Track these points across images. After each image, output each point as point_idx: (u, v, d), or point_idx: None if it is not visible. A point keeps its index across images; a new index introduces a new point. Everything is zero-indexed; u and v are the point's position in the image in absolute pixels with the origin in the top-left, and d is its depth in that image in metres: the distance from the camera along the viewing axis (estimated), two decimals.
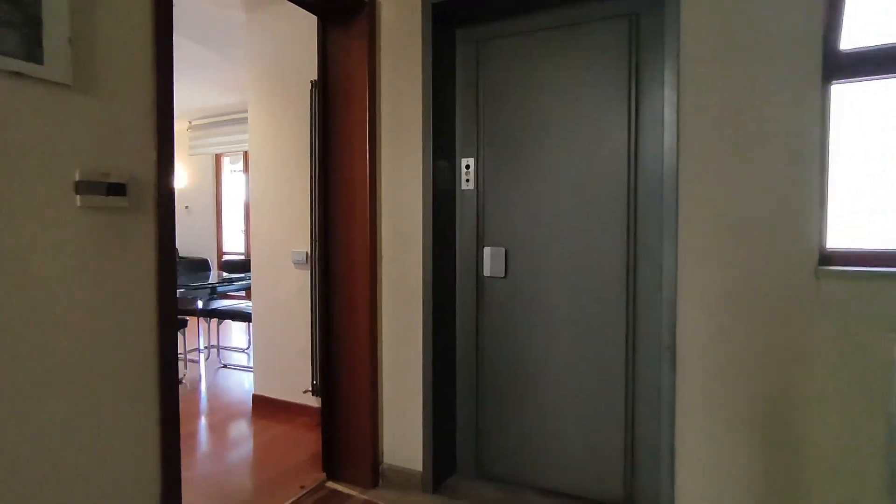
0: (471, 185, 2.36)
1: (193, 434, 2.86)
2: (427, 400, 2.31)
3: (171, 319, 1.40)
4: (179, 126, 7.20)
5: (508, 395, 2.28)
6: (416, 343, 2.34)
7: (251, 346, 3.88)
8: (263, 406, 3.27)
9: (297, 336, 3.14)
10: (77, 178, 1.20)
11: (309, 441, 2.80)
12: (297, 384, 3.16)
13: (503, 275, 2.27)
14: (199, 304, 4.02)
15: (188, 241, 7.54)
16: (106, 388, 1.28)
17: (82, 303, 1.22)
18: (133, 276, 1.32)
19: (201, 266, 4.85)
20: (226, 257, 7.34)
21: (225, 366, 4.27)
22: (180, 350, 4.79)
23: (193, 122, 7.04)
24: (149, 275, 1.36)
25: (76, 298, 1.21)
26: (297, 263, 3.13)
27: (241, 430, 2.94)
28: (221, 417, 3.12)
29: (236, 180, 7.40)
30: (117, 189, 1.26)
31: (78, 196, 1.20)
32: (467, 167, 2.36)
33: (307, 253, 3.06)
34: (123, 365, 1.32)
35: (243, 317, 4.03)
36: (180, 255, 7.47)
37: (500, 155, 2.27)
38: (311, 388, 3.03)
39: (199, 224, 7.40)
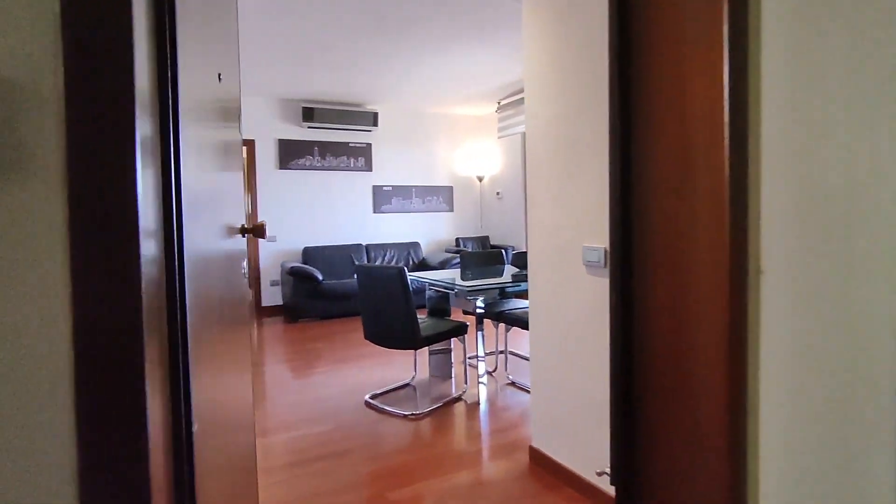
0: None
1: (444, 494, 2.11)
2: None
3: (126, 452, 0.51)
4: (487, 109, 6.91)
5: None
6: (867, 465, 0.94)
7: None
8: (543, 467, 2.30)
9: (588, 377, 2.04)
10: None
11: None
12: (588, 452, 2.07)
13: None
14: (480, 304, 3.33)
15: (499, 231, 7.27)
16: None
17: None
18: None
19: (495, 259, 4.23)
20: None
21: (513, 383, 3.50)
22: (460, 358, 4.38)
23: (502, 102, 6.63)
24: (54, 334, 0.48)
25: None
26: (589, 265, 2.01)
27: (507, 502, 2.04)
28: (488, 474, 2.29)
29: None
30: None
31: None
32: None
33: (606, 250, 1.92)
34: None
35: None
36: (491, 243, 7.26)
37: None
38: (607, 471, 1.89)
39: (511, 213, 7.03)
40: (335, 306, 5.73)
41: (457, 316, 4.31)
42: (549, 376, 2.25)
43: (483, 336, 3.55)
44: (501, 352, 4.06)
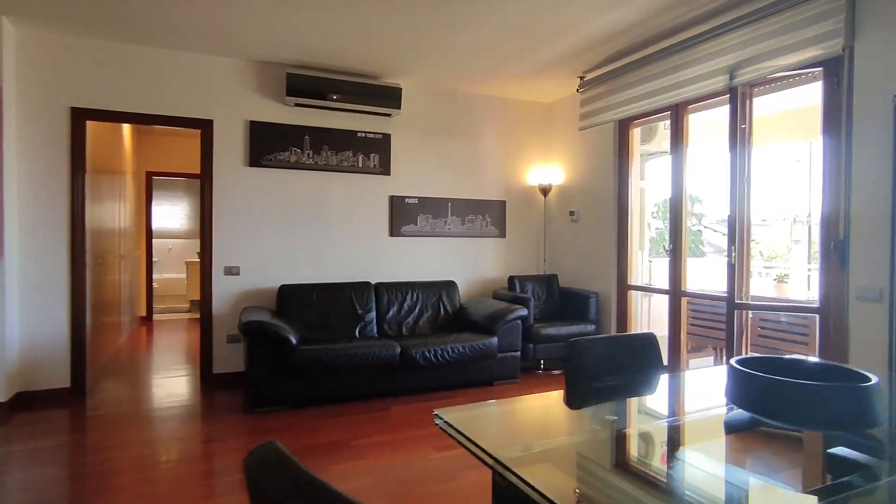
0: None
1: None
2: None
3: None
4: (560, 89, 4.61)
5: None
6: None
7: None
8: None
9: None
10: None
11: None
12: None
13: None
14: None
15: (574, 269, 4.96)
16: None
17: None
18: None
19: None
20: None
21: None
22: None
23: (587, 77, 4.40)
24: None
25: None
26: None
27: None
28: None
29: None
30: None
31: None
32: None
33: None
34: None
35: None
36: (561, 285, 4.97)
37: None
38: None
39: (594, 242, 4.74)
40: (319, 386, 3.51)
41: None
42: None
43: None
44: None
